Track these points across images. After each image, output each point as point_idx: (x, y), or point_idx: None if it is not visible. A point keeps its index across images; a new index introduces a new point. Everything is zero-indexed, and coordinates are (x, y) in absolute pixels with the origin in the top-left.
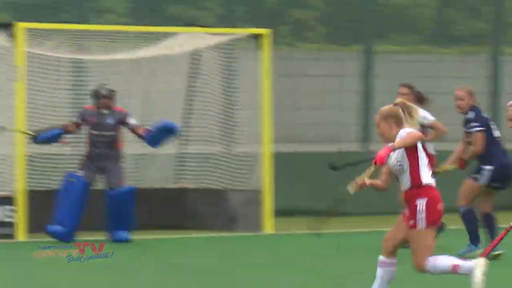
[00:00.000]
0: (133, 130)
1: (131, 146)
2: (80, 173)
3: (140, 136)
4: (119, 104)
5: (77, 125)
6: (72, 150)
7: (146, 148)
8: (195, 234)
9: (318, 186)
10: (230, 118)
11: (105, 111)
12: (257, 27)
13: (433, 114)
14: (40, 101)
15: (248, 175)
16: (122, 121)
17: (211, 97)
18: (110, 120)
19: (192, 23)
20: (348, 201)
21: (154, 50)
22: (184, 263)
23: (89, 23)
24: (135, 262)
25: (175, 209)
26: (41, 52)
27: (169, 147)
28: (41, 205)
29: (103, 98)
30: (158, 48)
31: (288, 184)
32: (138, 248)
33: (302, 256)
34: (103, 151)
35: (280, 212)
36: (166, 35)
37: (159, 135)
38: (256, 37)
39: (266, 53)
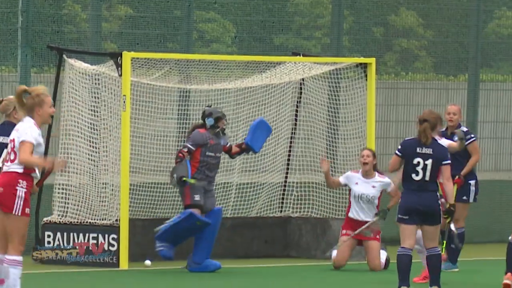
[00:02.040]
0: (230, 147)
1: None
2: (198, 204)
3: (240, 149)
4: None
5: (189, 153)
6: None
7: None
8: (299, 263)
9: None
10: (334, 147)
11: (222, 133)
12: (363, 56)
13: None
14: (145, 130)
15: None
16: (226, 142)
17: (316, 125)
18: (223, 142)
19: (298, 53)
20: None
21: (260, 79)
22: None
23: (195, 53)
24: None
25: (280, 237)
26: (148, 82)
27: (274, 176)
28: (142, 233)
29: (222, 119)
30: (264, 77)
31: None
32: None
33: None
34: (214, 173)
35: None
36: (272, 64)
37: (256, 135)
38: (362, 66)
39: (371, 82)
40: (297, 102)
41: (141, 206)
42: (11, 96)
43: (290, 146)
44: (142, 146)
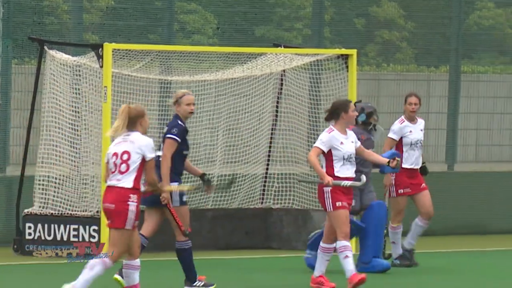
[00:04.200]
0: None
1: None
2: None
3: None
4: (206, 124)
5: None
6: None
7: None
8: (281, 254)
9: None
10: (316, 139)
11: (374, 128)
12: (344, 48)
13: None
14: None
15: None
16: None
17: (297, 117)
18: (375, 137)
19: (279, 44)
20: None
21: (241, 70)
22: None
23: (177, 44)
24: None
25: (261, 228)
26: (129, 73)
27: (255, 168)
28: None
29: (373, 114)
30: (245, 69)
31: None
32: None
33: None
34: (369, 169)
35: None
36: (253, 55)
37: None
38: (343, 57)
39: (352, 74)
40: (278, 93)
41: None
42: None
43: (271, 138)
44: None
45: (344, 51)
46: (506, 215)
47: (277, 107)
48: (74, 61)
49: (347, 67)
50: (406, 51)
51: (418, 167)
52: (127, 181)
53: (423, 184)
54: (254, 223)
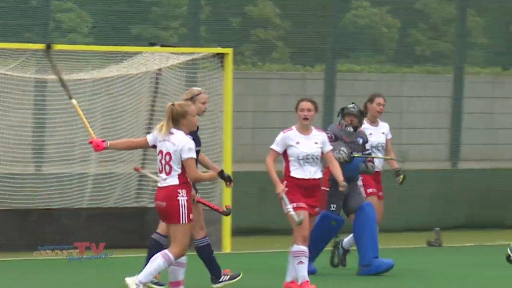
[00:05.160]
0: None
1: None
2: (336, 211)
3: None
4: (81, 123)
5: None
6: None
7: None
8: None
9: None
10: None
11: (354, 129)
12: (220, 47)
13: (399, 133)
14: (1, 121)
15: (209, 195)
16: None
17: None
18: (360, 140)
19: (155, 43)
20: None
21: (118, 69)
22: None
23: (53, 43)
24: None
25: (136, 227)
26: (4, 72)
27: (130, 167)
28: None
29: (350, 114)
30: (121, 68)
31: (248, 203)
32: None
33: (262, 274)
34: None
35: (239, 231)
36: (129, 54)
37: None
38: (219, 56)
39: (228, 73)
40: (154, 92)
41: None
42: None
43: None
44: None
45: (220, 50)
46: None
47: (152, 105)
48: None
49: (223, 66)
50: (282, 50)
51: (380, 170)
52: (173, 180)
53: (381, 193)
54: (130, 222)
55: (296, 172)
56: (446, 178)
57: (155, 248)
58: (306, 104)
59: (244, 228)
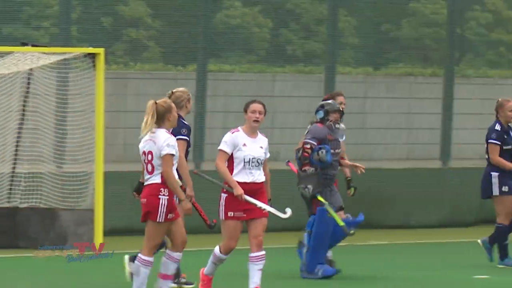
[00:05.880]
0: None
1: None
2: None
3: None
4: None
5: (311, 149)
6: None
7: None
8: (27, 253)
9: None
10: (63, 138)
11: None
12: (91, 47)
13: (271, 133)
14: None
15: (81, 195)
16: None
17: (44, 116)
18: (341, 137)
19: (27, 43)
20: None
21: None
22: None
23: None
24: None
25: (8, 227)
26: None
27: (2, 167)
28: None
29: (334, 112)
30: None
31: (120, 203)
32: None
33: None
34: (336, 171)
35: (112, 231)
36: (1, 54)
37: None
38: (91, 56)
39: (100, 73)
40: (26, 92)
41: None
42: (183, 88)
43: (18, 137)
44: None
45: (91, 49)
46: None
47: (24, 106)
48: None
49: (94, 66)
50: (154, 50)
51: None
52: (156, 178)
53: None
54: (1, 222)
55: (240, 176)
56: None
57: None
58: (257, 106)
59: (116, 229)
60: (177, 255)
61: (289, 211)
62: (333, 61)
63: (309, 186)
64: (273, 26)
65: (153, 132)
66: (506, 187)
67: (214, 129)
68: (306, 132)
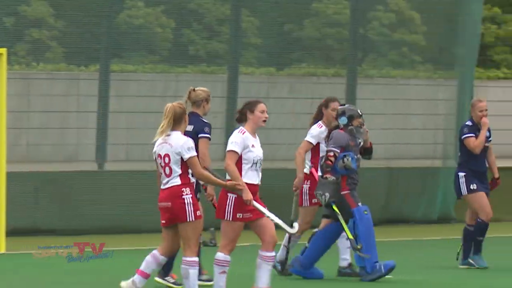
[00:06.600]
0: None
1: None
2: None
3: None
4: None
5: (335, 157)
6: None
7: None
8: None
9: (58, 205)
10: None
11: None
12: None
13: None
14: None
15: None
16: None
17: None
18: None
19: None
20: None
21: None
22: None
23: None
24: None
25: None
26: None
27: None
28: None
29: (357, 116)
30: None
31: (23, 204)
32: None
33: (40, 275)
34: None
35: (14, 232)
36: None
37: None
38: None
39: (2, 73)
40: None
41: None
42: (205, 88)
43: None
44: None
45: None
46: None
47: None
48: None
49: None
50: (56, 50)
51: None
52: (175, 180)
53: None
54: None
55: (248, 177)
56: None
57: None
58: (264, 106)
59: (19, 229)
60: (161, 257)
61: (296, 226)
62: (236, 61)
63: (327, 194)
64: (176, 26)
65: (168, 135)
66: (474, 185)
67: (117, 130)
68: (328, 139)
